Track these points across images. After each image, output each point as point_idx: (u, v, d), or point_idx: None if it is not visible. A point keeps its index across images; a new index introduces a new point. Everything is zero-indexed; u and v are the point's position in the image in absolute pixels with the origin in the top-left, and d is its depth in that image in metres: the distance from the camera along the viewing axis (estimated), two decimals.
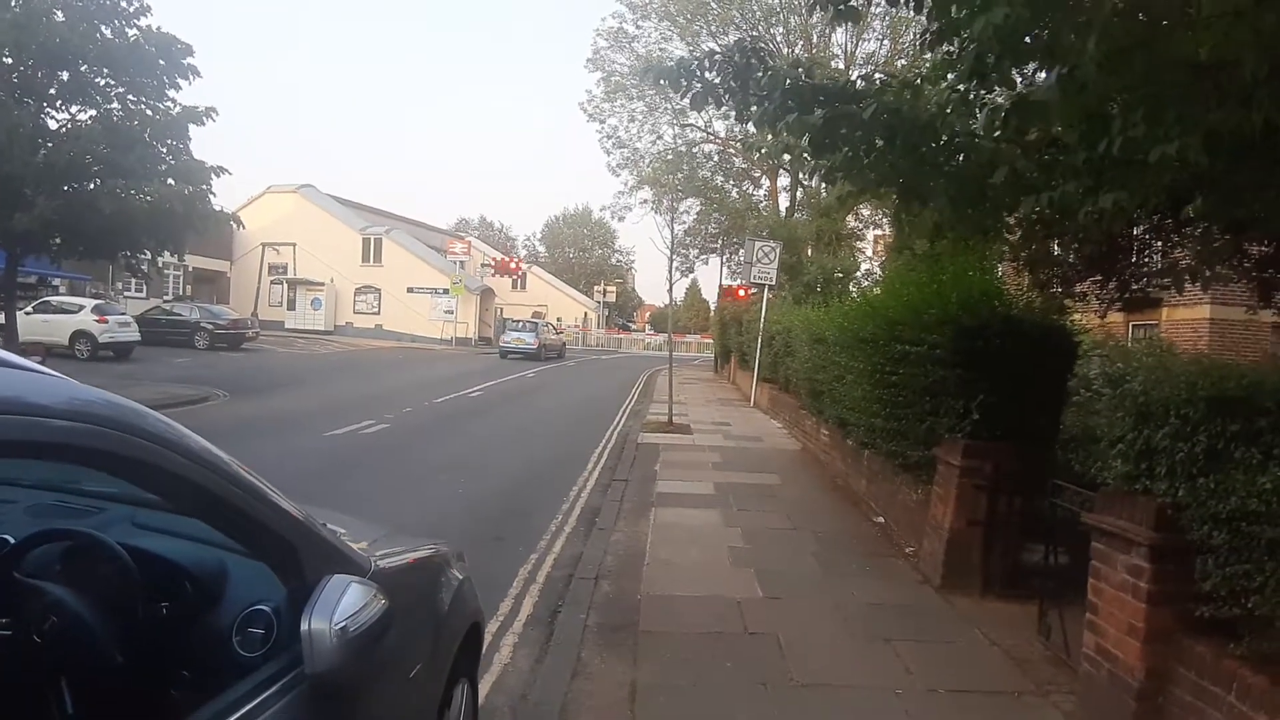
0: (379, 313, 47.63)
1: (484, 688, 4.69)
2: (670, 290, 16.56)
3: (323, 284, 46.79)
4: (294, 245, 47.12)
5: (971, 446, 6.41)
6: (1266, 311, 11.86)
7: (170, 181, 17.07)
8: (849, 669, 4.93)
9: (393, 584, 2.48)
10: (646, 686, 4.60)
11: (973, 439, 6.46)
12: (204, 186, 17.99)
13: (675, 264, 35.70)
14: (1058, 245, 9.55)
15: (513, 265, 54.09)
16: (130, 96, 16.83)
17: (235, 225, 20.07)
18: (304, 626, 1.87)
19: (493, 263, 53.19)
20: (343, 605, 1.94)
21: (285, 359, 29.25)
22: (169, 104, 17.18)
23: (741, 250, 24.89)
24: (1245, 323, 14.79)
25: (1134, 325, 17.18)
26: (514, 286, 57.08)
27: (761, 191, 36.14)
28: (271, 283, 47.43)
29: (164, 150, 17.31)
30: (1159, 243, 9.04)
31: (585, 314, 62.85)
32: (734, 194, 35.48)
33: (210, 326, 30.01)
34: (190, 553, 2.33)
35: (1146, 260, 9.72)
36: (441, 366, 29.32)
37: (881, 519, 8.67)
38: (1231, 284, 13.74)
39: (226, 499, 1.86)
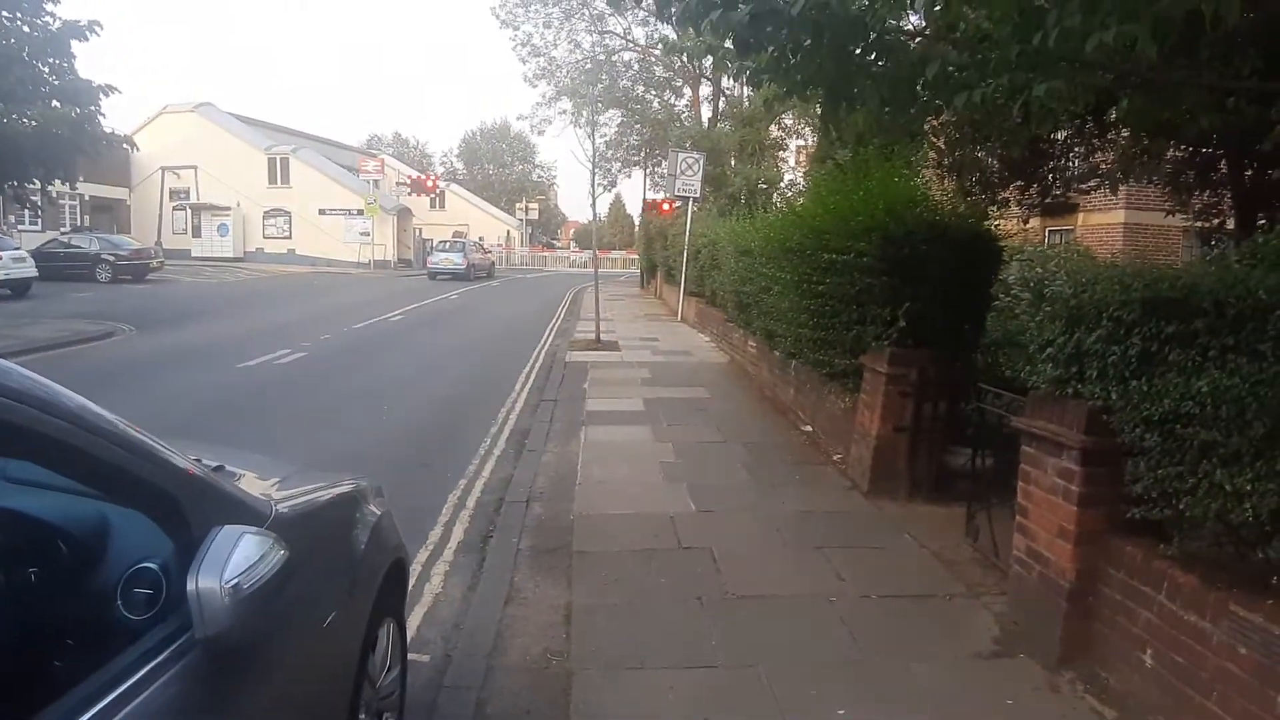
0: (290, 237, 45.81)
1: (415, 619, 4.59)
2: (594, 205, 16.20)
3: (229, 208, 44.65)
4: (195, 168, 44.66)
5: (897, 354, 6.43)
6: (1179, 216, 12.22)
7: (55, 104, 15.87)
8: (783, 579, 4.96)
9: (297, 529, 2.30)
10: (581, 608, 4.55)
11: (899, 346, 6.47)
12: (92, 107, 16.78)
13: (597, 178, 35.12)
14: (982, 151, 9.58)
15: (429, 183, 52.31)
16: (4, 12, 15.38)
17: (129, 148, 18.86)
18: (190, 586, 1.69)
19: (409, 181, 51.38)
20: (234, 560, 1.76)
21: (193, 289, 27.98)
22: (47, 19, 15.79)
23: (664, 163, 24.49)
24: (1158, 227, 15.24)
25: (1051, 230, 17.55)
26: (432, 206, 55.44)
27: (683, 102, 35.48)
28: (174, 209, 45.03)
29: (45, 70, 16.00)
30: (1080, 147, 9.14)
31: (508, 232, 61.57)
32: (655, 104, 34.70)
33: (111, 258, 28.28)
34: (66, 508, 2.09)
35: (1068, 165, 9.84)
36: (360, 291, 28.46)
37: (810, 428, 8.75)
38: (1146, 189, 14.16)
39: (91, 452, 1.63)
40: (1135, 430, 3.51)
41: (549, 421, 9.07)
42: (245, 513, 2.04)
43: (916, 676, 3.82)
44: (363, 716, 2.76)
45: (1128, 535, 3.69)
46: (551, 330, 18.69)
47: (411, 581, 5.05)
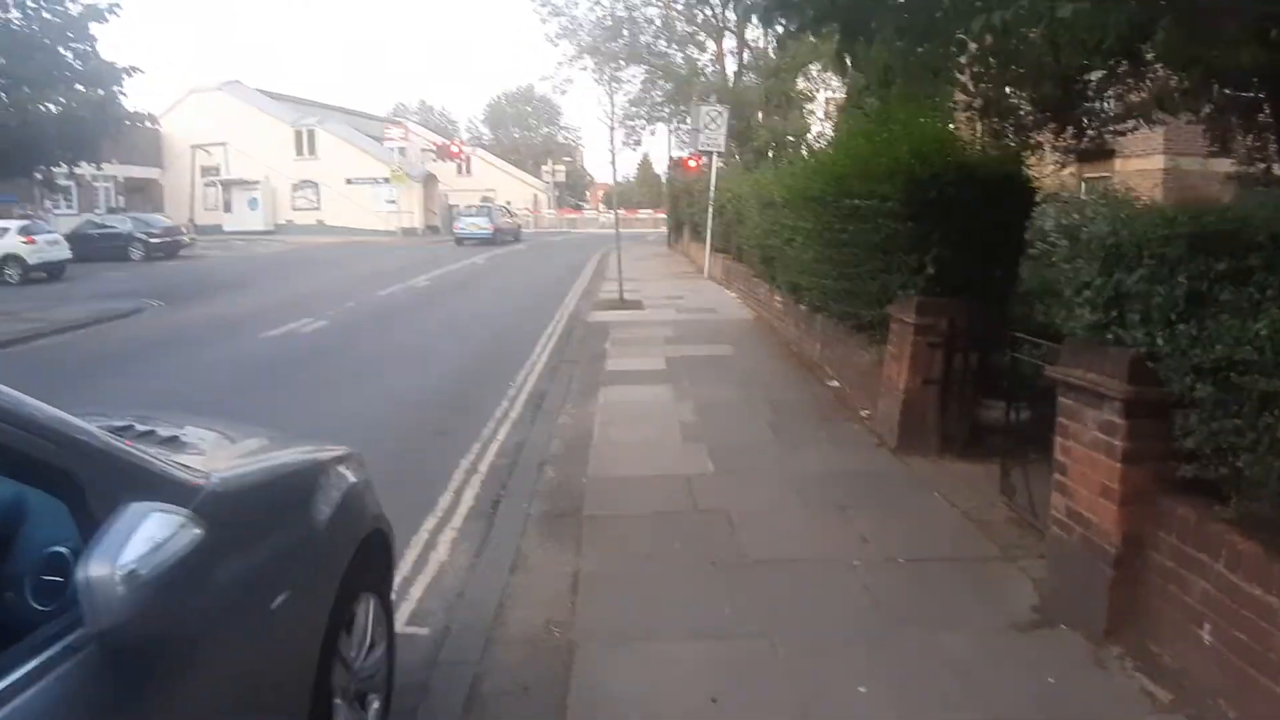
0: (319, 208, 46.02)
1: (418, 590, 4.42)
2: (614, 162, 15.89)
3: (258, 182, 44.92)
4: (224, 145, 44.96)
5: (925, 303, 6.07)
6: (1223, 160, 11.57)
7: (79, 87, 15.84)
8: (804, 542, 4.70)
9: (238, 503, 2.08)
10: (590, 575, 4.33)
11: (926, 295, 6.11)
12: (115, 89, 16.76)
13: (622, 136, 34.54)
14: (1011, 90, 9.07)
15: (455, 149, 51.96)
16: (27, 0, 15.37)
17: (157, 128, 19.00)
18: (80, 574, 1.46)
19: (434, 148, 51.10)
20: (134, 542, 1.53)
21: (223, 263, 28.12)
22: (68, 4, 15.74)
23: (689, 118, 23.93)
24: (1200, 173, 14.55)
25: (1087, 177, 16.85)
26: (459, 172, 55.09)
27: (707, 56, 34.53)
28: (205, 186, 45.51)
29: (68, 54, 15.98)
30: (1116, 87, 8.58)
31: (535, 196, 61.14)
32: (679, 59, 33.93)
33: (144, 237, 28.52)
34: None
35: (1103, 107, 9.28)
36: (386, 259, 28.35)
37: (836, 383, 8.43)
38: (1187, 132, 13.46)
39: None
40: (1185, 379, 3.15)
41: (568, 383, 8.84)
42: (166, 488, 1.81)
43: (945, 649, 3.54)
44: (338, 701, 2.57)
45: (1179, 495, 3.33)
46: (576, 291, 18.42)
47: (418, 550, 4.93)
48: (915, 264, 6.13)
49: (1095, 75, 8.60)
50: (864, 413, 7.34)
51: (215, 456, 2.57)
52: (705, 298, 16.26)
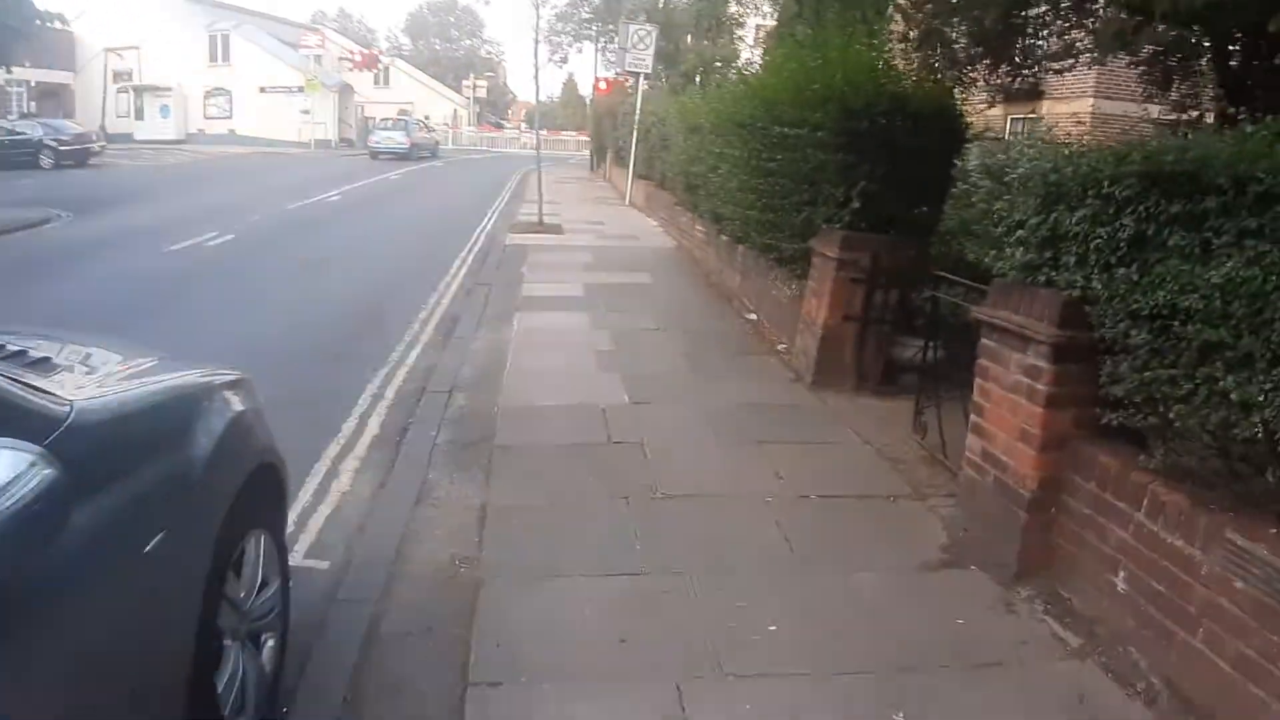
0: (231, 117, 43.59)
1: (317, 521, 4.19)
2: (536, 79, 15.18)
3: (170, 89, 42.18)
4: (137, 50, 41.79)
5: (849, 238, 5.98)
6: (1151, 106, 11.68)
7: None
8: (717, 477, 4.63)
9: (99, 435, 1.84)
10: (498, 509, 4.17)
11: (851, 230, 6.02)
12: None
13: (547, 53, 33.37)
14: (950, 24, 8.92)
15: (372, 57, 49.42)
16: None
17: (62, 25, 17.52)
18: None
19: (351, 56, 48.55)
20: None
21: (132, 172, 26.37)
22: None
23: (616, 37, 23.18)
24: (1128, 118, 14.78)
25: (1013, 119, 16.98)
26: (376, 83, 52.59)
27: None
28: (118, 92, 42.39)
29: None
30: (1056, 23, 8.50)
31: (455, 111, 58.94)
32: None
33: (54, 144, 26.46)
34: None
35: (1041, 43, 9.22)
36: (298, 171, 27.04)
37: (754, 315, 8.36)
38: (1117, 76, 13.59)
39: None
40: (1119, 325, 3.09)
41: (482, 307, 8.55)
42: (18, 419, 1.55)
43: (857, 589, 3.52)
44: (228, 643, 2.37)
45: (1100, 443, 3.33)
46: (494, 213, 17.88)
47: (319, 479, 4.69)
48: (841, 197, 6.01)
49: (1037, 10, 8.49)
50: (781, 347, 7.30)
51: (85, 382, 2.29)
52: (627, 224, 15.98)
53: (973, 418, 4.08)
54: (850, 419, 5.64)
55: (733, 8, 28.21)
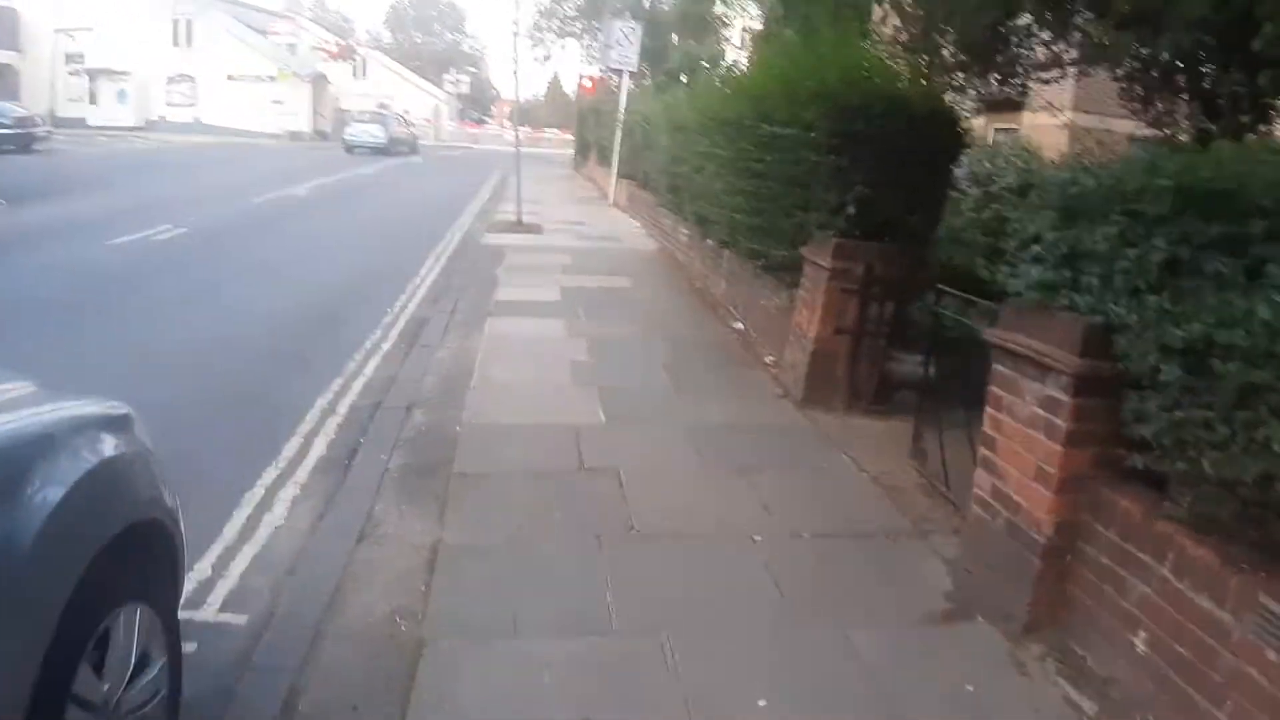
0: (195, 105, 42.41)
1: (241, 563, 3.68)
2: (516, 73, 14.69)
3: (127, 73, 40.90)
4: (91, 30, 40.54)
5: (843, 246, 5.54)
6: (1125, 121, 11.33)
7: None
8: (700, 510, 4.17)
9: None
10: (451, 549, 3.69)
11: (845, 237, 5.58)
12: None
13: (531, 49, 32.85)
14: (940, 30, 8.52)
15: (348, 48, 48.54)
16: None
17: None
18: None
19: (326, 45, 47.66)
20: None
21: (83, 160, 25.40)
22: None
23: (601, 34, 22.70)
24: (1104, 131, 14.51)
25: (996, 128, 16.69)
26: (354, 74, 51.77)
27: None
28: (70, 75, 41.13)
29: None
30: (1044, 33, 8.13)
31: (436, 106, 58.14)
32: None
33: None
34: None
35: (1026, 52, 8.87)
36: (267, 162, 26.31)
37: (740, 325, 7.92)
38: (1095, 91, 13.29)
39: None
40: (1149, 358, 2.68)
41: (450, 312, 8.05)
42: None
43: (856, 649, 3.06)
44: None
45: (1123, 487, 2.92)
46: (472, 211, 17.36)
47: (249, 509, 4.18)
48: (835, 202, 5.57)
49: (1024, 20, 8.13)
50: (768, 359, 6.86)
51: None
52: (608, 225, 15.51)
53: (982, 451, 3.65)
54: (843, 441, 5.20)
55: (718, 8, 27.79)
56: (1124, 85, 9.14)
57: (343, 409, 5.62)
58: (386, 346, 7.08)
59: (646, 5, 28.23)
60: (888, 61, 6.90)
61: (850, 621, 3.25)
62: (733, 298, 8.34)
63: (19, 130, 25.99)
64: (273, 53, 42.24)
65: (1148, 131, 10.11)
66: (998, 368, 3.51)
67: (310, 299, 8.63)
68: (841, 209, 5.54)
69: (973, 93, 9.62)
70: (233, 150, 31.71)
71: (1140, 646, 2.77)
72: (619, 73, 19.46)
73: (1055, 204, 3.18)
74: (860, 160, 5.41)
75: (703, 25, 26.51)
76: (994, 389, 3.53)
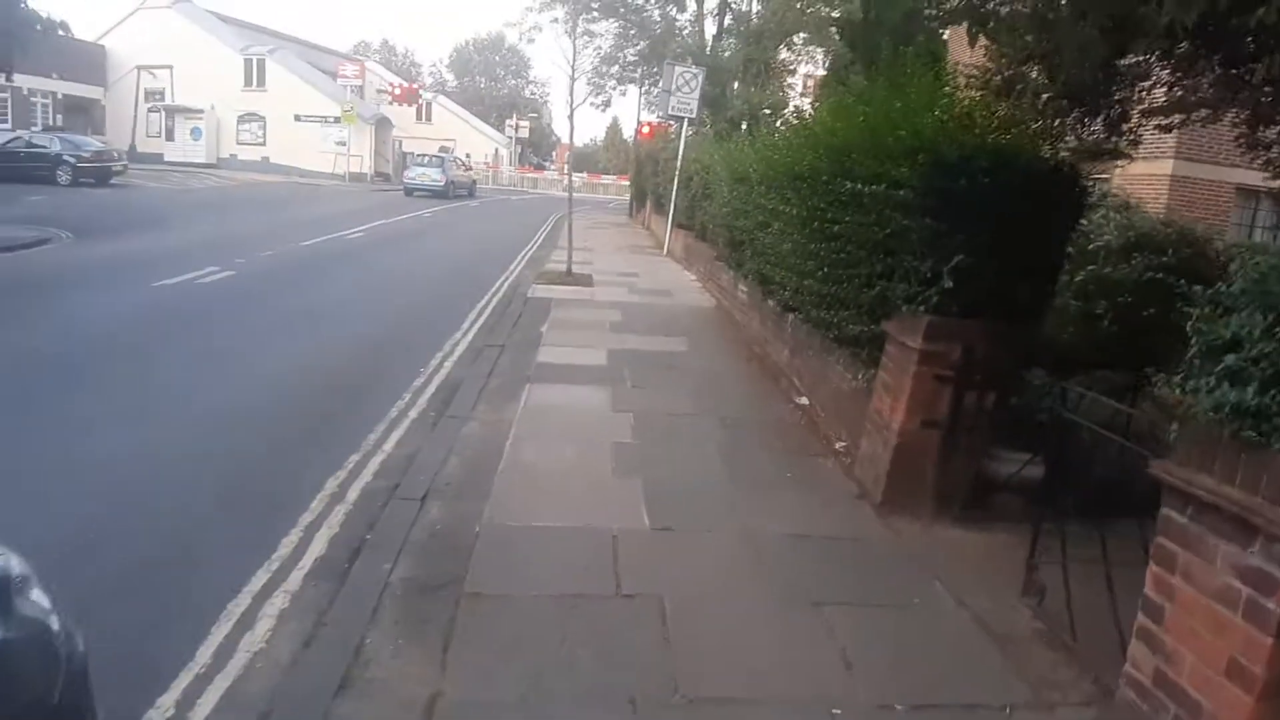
0: (265, 144, 43.23)
1: (207, 703, 2.96)
2: (571, 116, 14.20)
3: (202, 111, 41.91)
4: (170, 68, 41.79)
5: (937, 324, 4.71)
6: (1235, 170, 10.34)
7: None
8: (762, 664, 3.33)
9: None
10: (451, 707, 2.93)
11: (939, 313, 4.75)
12: None
13: (589, 96, 32.72)
14: (1039, 70, 7.70)
15: (413, 91, 49.19)
16: None
17: (64, 32, 17.08)
18: None
19: (391, 89, 48.42)
20: None
21: (153, 195, 25.85)
22: None
23: (661, 80, 22.29)
24: (1210, 182, 13.45)
25: (1091, 178, 15.62)
26: (418, 118, 52.49)
27: (686, 15, 32.78)
28: (149, 111, 42.34)
29: None
30: (1166, 72, 7.23)
31: (496, 150, 58.73)
32: (655, 15, 32.05)
33: (73, 159, 25.77)
34: None
35: (1142, 95, 7.94)
36: (325, 203, 26.38)
37: (805, 400, 7.08)
38: (1200, 137, 12.30)
39: None
40: None
41: (487, 375, 7.37)
42: None
43: None
44: None
45: None
46: (523, 258, 16.84)
47: (229, 626, 3.47)
48: (928, 273, 4.75)
49: (1140, 58, 7.27)
50: (840, 445, 6.01)
51: None
52: (662, 278, 14.82)
53: (1142, 620, 2.80)
54: (934, 562, 4.32)
55: (783, 54, 27.30)
56: (1246, 130, 8.20)
57: (353, 494, 4.92)
58: (413, 415, 6.40)
59: (708, 52, 27.84)
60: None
61: None
62: (797, 369, 7.51)
63: (97, 164, 26.65)
64: (338, 94, 42.83)
65: (1262, 181, 9.13)
66: (1170, 514, 2.66)
67: (342, 354, 8.05)
68: (936, 280, 4.72)
69: (1071, 140, 8.75)
70: (294, 190, 31.99)
71: None
72: (679, 119, 18.93)
73: (1273, 301, 2.34)
74: (961, 224, 4.59)
75: (765, 71, 25.98)
76: (1164, 541, 2.68)
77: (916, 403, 4.86)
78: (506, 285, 13.06)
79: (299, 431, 5.84)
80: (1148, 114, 8.01)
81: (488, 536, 4.27)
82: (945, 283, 4.66)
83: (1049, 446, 4.19)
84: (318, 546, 4.27)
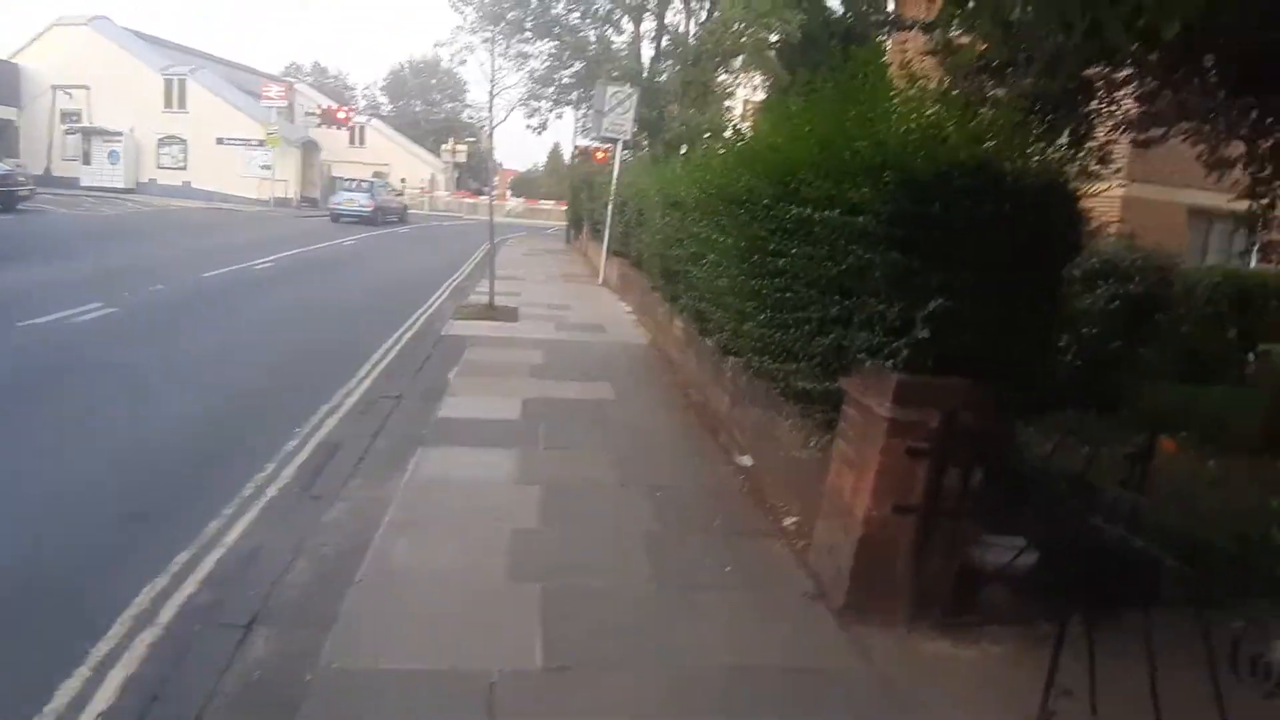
0: (185, 168, 41.19)
1: None
2: (490, 134, 13.21)
3: (120, 134, 39.69)
4: (88, 89, 39.62)
5: (910, 385, 3.73)
6: (1188, 191, 9.77)
7: None
8: None
9: None
10: None
11: (911, 370, 3.78)
12: None
13: (525, 119, 31.67)
14: (1006, 82, 6.90)
15: (341, 114, 47.42)
16: None
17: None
18: None
19: (319, 111, 46.67)
20: None
21: (58, 222, 24.04)
22: None
23: (594, 99, 21.38)
24: (1162, 203, 12.99)
25: None
26: (351, 142, 50.78)
27: (623, 38, 32.00)
28: (66, 133, 40.02)
29: None
30: (1145, 81, 6.48)
31: (432, 175, 57.22)
32: (591, 35, 31.20)
33: None
34: None
35: (1113, 107, 7.19)
36: (242, 231, 24.80)
37: (748, 460, 6.07)
38: (1153, 159, 11.79)
39: None
40: None
41: (373, 435, 6.19)
42: None
43: None
44: None
45: None
46: (446, 288, 15.65)
47: None
48: (897, 320, 3.78)
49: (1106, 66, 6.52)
50: (790, 522, 5.00)
51: None
52: (595, 310, 13.75)
53: None
54: (917, 698, 3.30)
55: (722, 76, 26.67)
56: (1207, 149, 7.53)
57: (167, 614, 3.75)
58: (272, 492, 5.21)
59: (644, 75, 27.07)
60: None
61: None
62: (739, 421, 6.50)
63: (1, 189, 24.51)
64: (264, 116, 41.01)
65: (1226, 202, 8.48)
66: None
67: (209, 410, 6.80)
68: (908, 329, 3.74)
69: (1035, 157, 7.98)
70: (211, 216, 30.28)
71: None
72: (612, 141, 18.00)
73: None
74: (937, 259, 3.63)
75: (704, 94, 25.27)
76: None
77: (885, 483, 3.86)
78: (422, 321, 11.86)
79: (123, 521, 4.61)
80: (1117, 128, 7.27)
81: (322, 688, 3.13)
82: (920, 332, 3.69)
83: (1050, 529, 3.26)
84: (106, 694, 3.11)
